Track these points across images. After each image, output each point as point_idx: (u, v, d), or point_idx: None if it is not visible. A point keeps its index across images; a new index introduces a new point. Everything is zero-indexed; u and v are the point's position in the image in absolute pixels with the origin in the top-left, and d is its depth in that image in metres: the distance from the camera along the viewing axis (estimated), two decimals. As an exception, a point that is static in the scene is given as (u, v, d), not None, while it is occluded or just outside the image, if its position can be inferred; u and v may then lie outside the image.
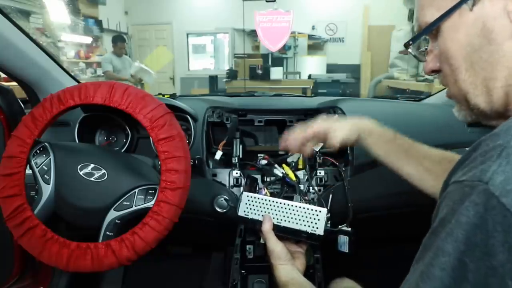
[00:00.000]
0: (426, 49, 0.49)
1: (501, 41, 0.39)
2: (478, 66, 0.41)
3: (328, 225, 0.73)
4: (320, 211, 0.73)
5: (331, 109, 1.12)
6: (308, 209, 0.73)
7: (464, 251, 0.31)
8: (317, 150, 1.02)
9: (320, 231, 0.72)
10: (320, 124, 0.76)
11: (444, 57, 0.44)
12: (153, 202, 0.70)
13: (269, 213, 0.75)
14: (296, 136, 0.77)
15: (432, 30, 0.44)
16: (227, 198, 0.96)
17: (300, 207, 0.74)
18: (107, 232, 0.70)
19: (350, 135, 0.73)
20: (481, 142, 0.34)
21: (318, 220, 0.72)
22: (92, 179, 0.73)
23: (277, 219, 0.74)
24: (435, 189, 0.66)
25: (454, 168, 0.37)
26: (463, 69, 0.42)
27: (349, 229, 0.78)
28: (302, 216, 0.73)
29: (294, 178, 0.97)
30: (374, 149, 0.73)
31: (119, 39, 4.24)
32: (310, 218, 0.73)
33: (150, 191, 0.72)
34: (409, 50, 0.50)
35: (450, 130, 1.07)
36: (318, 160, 1.02)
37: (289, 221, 0.74)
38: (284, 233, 0.75)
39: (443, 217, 0.34)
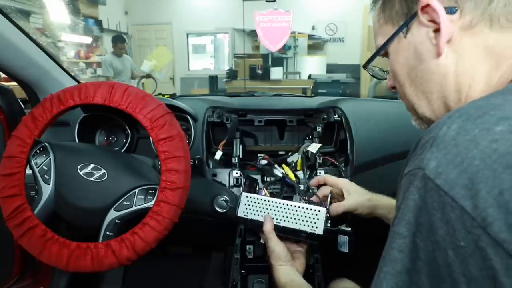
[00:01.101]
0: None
1: (428, 60, 0.45)
2: (417, 81, 0.48)
3: (328, 224, 0.73)
4: (319, 211, 0.73)
5: (331, 109, 1.12)
6: (307, 208, 0.73)
7: (415, 232, 0.34)
8: (315, 151, 1.02)
9: (319, 231, 0.72)
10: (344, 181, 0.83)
11: (393, 75, 0.52)
12: (153, 202, 0.70)
13: (268, 213, 0.75)
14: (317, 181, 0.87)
15: (381, 53, 0.52)
16: (227, 198, 0.96)
17: (299, 207, 0.74)
18: (107, 232, 0.70)
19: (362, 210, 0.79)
20: (420, 138, 0.39)
21: (318, 219, 0.72)
22: (92, 179, 0.73)
23: (277, 219, 0.74)
24: None
25: (404, 165, 0.41)
26: (407, 84, 0.49)
27: (349, 229, 0.78)
28: (301, 215, 0.73)
29: (294, 178, 0.97)
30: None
31: (119, 39, 4.21)
32: (310, 217, 0.73)
33: (150, 191, 0.72)
34: (368, 71, 0.59)
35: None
36: (318, 160, 1.02)
37: (288, 221, 0.74)
38: (283, 233, 0.74)
39: (398, 206, 0.38)
